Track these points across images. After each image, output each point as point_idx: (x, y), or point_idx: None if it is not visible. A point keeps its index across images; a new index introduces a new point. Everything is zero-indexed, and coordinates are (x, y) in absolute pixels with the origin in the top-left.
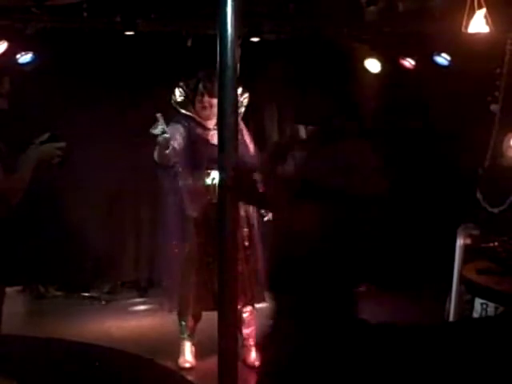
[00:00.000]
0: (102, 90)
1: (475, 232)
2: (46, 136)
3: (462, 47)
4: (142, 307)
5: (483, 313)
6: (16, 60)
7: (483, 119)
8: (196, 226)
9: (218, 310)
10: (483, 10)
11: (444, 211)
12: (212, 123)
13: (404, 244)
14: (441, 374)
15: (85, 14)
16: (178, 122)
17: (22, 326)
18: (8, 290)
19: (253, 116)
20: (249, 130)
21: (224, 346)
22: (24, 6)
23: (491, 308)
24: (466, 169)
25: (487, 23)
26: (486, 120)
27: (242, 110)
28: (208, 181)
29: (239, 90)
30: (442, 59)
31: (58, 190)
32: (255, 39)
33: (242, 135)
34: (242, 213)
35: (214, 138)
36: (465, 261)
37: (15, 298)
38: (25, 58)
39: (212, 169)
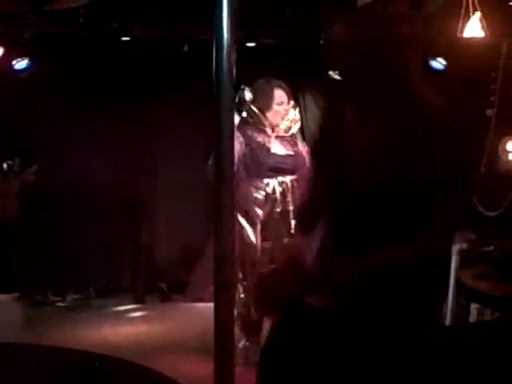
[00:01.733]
0: (99, 94)
1: (471, 236)
2: (17, 163)
3: (458, 52)
4: (138, 313)
5: (479, 317)
6: (12, 66)
7: (479, 124)
8: (254, 234)
9: (214, 310)
10: (478, 15)
11: (440, 215)
12: (271, 131)
13: (400, 247)
14: (435, 378)
15: (81, 20)
16: (238, 127)
17: (18, 333)
18: (4, 297)
19: None
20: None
21: (220, 346)
22: (20, 11)
23: (487, 313)
24: (462, 173)
25: (482, 27)
26: (482, 124)
27: (296, 127)
28: (268, 189)
29: (291, 103)
30: (438, 64)
31: (52, 197)
32: (251, 44)
33: (297, 144)
34: (294, 221)
35: (274, 145)
36: (461, 265)
37: (11, 306)
38: (21, 64)
39: (273, 177)
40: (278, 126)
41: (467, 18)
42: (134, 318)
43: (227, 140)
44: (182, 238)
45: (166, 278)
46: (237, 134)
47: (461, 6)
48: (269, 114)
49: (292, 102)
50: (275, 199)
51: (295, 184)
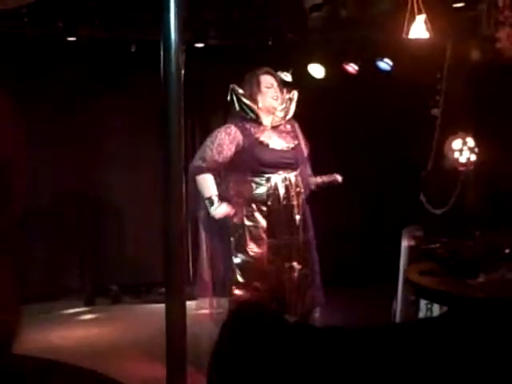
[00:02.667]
0: (44, 95)
1: (419, 233)
2: None
3: (404, 53)
4: (88, 316)
5: (428, 313)
6: None
7: (425, 123)
8: (260, 231)
9: (166, 304)
10: (423, 16)
11: (389, 213)
12: (270, 121)
13: (350, 245)
14: (386, 376)
15: (25, 19)
16: (235, 123)
17: None
18: None
19: (199, 121)
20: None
21: (172, 348)
22: None
23: (436, 308)
24: (410, 171)
25: (427, 29)
26: (428, 124)
27: (293, 108)
28: (270, 185)
29: (283, 91)
30: (385, 64)
31: None
32: (200, 45)
33: (298, 137)
34: (299, 216)
35: (273, 140)
36: (409, 262)
37: None
38: None
39: (274, 172)
40: (273, 110)
41: (412, 19)
42: (83, 321)
43: (176, 139)
44: (133, 239)
45: (118, 280)
46: (233, 129)
47: (406, 8)
48: (260, 99)
49: (284, 90)
50: (278, 195)
51: (299, 179)
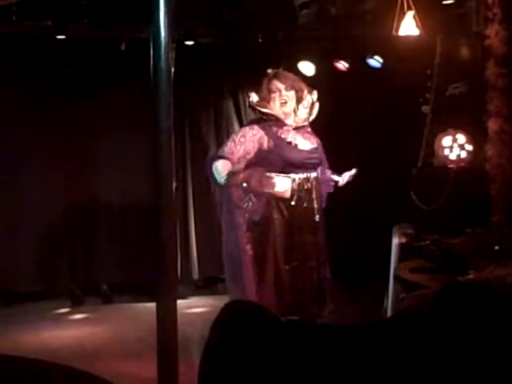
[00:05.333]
0: (33, 94)
1: (410, 231)
2: None
3: (394, 49)
4: (78, 316)
5: None
6: None
7: (416, 120)
8: (276, 228)
9: (156, 303)
10: (412, 13)
11: (380, 210)
12: (292, 121)
13: (342, 242)
14: (376, 373)
15: (14, 18)
16: (252, 125)
17: None
18: None
19: (189, 118)
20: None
21: (163, 346)
22: None
23: None
24: (401, 168)
25: (417, 26)
26: (418, 121)
27: (315, 110)
28: (294, 184)
29: (305, 89)
30: (375, 61)
31: None
32: (190, 43)
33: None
34: (318, 218)
35: (299, 140)
36: (400, 259)
37: None
38: None
39: (292, 171)
40: (285, 116)
41: (402, 16)
42: (73, 321)
43: (165, 138)
44: (123, 239)
45: (108, 279)
46: (257, 129)
47: (396, 5)
48: (269, 105)
49: (303, 89)
50: (300, 196)
51: (317, 180)
